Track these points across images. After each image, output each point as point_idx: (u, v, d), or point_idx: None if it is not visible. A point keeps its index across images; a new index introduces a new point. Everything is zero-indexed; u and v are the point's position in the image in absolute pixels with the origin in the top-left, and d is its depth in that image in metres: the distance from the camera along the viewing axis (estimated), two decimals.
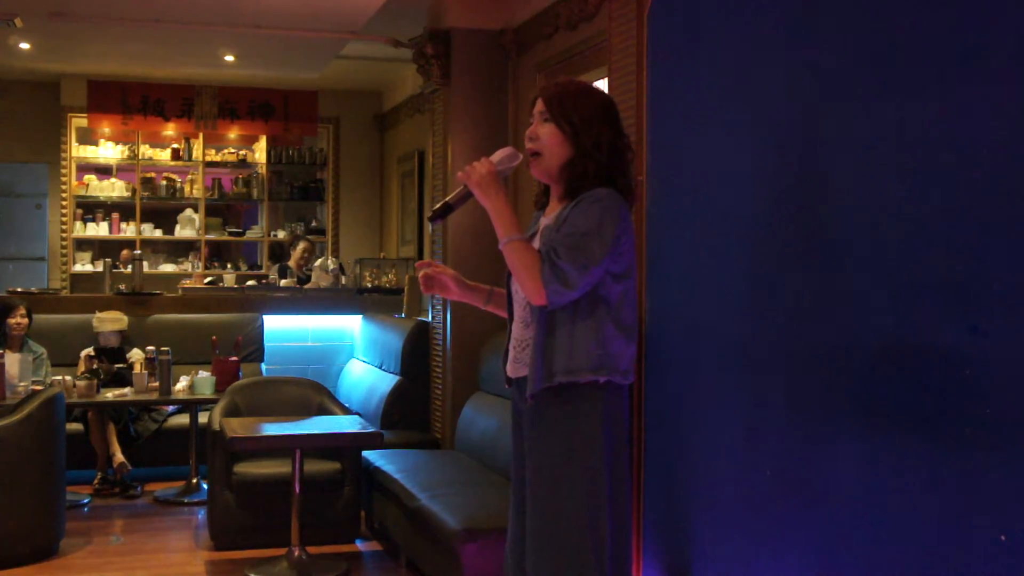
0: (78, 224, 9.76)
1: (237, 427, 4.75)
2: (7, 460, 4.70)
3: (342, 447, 5.15)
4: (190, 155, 9.96)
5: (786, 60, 2.63)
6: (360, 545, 5.22)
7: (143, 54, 8.40)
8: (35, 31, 7.48)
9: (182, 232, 10.06)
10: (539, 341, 2.66)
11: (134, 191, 9.86)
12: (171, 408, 6.57)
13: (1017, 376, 1.91)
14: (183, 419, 6.48)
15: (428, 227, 7.67)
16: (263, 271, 9.83)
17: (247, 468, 5.11)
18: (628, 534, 2.80)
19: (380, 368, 6.74)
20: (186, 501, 6.08)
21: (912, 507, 2.15)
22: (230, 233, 10.29)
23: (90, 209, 9.88)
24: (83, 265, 9.77)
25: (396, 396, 6.25)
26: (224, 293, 7.70)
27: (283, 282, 8.14)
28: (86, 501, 6.10)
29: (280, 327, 7.34)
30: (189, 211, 10.08)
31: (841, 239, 2.39)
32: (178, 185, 10.06)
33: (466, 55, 5.98)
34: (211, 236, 10.14)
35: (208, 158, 10.04)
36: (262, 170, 10.15)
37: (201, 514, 5.78)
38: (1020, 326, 1.91)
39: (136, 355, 6.44)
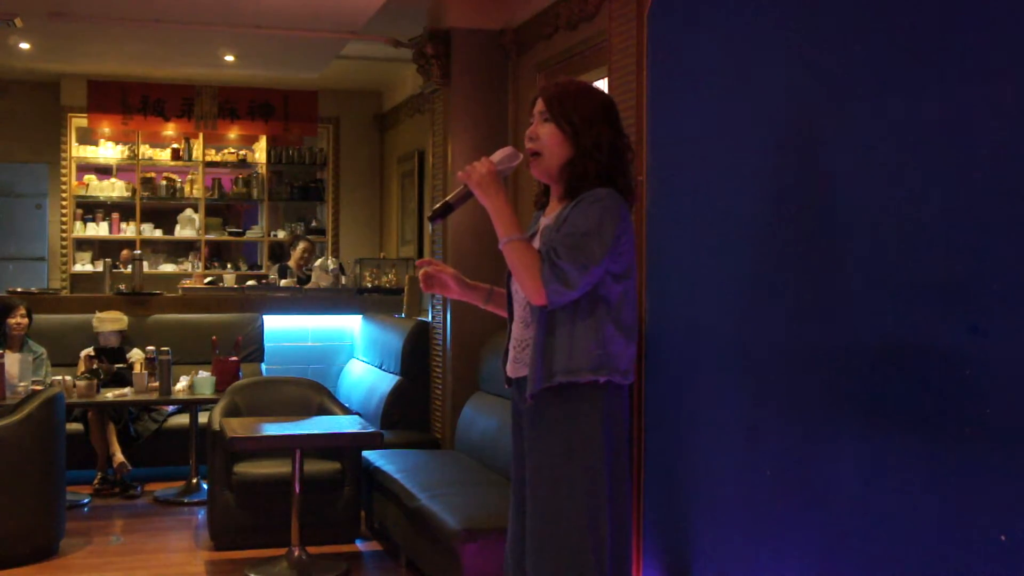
0: (78, 224, 9.76)
1: (237, 427, 4.75)
2: (7, 460, 4.70)
3: (342, 447, 5.15)
4: (190, 155, 9.96)
5: (786, 60, 2.63)
6: (360, 545, 5.21)
7: (143, 54, 8.40)
8: (35, 31, 7.47)
9: (182, 232, 10.06)
10: (539, 341, 2.66)
11: (134, 191, 9.86)
12: (171, 408, 6.57)
13: (1017, 376, 1.91)
14: (183, 419, 6.48)
15: (428, 227, 7.66)
16: (263, 271, 9.83)
17: (247, 468, 5.12)
18: (628, 534, 2.80)
19: (380, 368, 6.74)
20: (186, 501, 6.08)
21: (912, 507, 2.15)
22: (230, 233, 10.29)
23: (90, 209, 9.88)
24: (83, 265, 9.76)
25: (396, 396, 6.25)
26: (224, 293, 7.70)
27: (283, 282, 8.14)
28: (86, 501, 6.09)
29: (280, 327, 7.34)
30: (189, 211, 10.07)
31: (841, 239, 2.39)
32: (178, 185, 10.05)
33: (466, 55, 5.98)
34: (211, 236, 10.14)
35: (208, 158, 10.03)
36: (262, 170, 10.15)
37: (201, 514, 5.78)
38: (1020, 326, 1.91)
39: (136, 355, 6.44)
